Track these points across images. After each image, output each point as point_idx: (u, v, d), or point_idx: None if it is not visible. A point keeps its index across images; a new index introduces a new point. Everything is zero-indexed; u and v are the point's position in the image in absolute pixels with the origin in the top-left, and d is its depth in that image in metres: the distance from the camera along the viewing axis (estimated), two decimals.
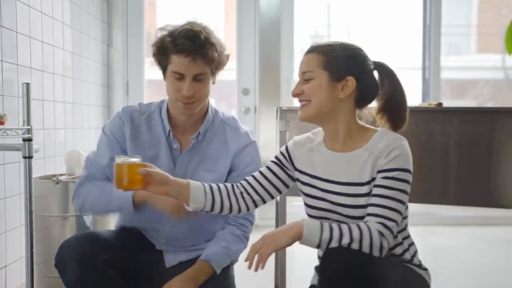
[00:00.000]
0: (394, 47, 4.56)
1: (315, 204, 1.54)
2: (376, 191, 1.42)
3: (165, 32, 1.66)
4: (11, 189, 2.47)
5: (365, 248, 1.35)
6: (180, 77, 1.63)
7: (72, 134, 3.25)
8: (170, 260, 1.76)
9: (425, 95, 4.49)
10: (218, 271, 1.66)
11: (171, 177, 1.48)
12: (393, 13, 4.61)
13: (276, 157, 1.64)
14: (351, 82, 1.46)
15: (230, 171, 1.77)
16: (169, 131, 1.74)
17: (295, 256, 3.30)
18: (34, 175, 2.09)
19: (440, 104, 2.31)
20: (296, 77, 1.59)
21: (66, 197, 2.38)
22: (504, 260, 3.37)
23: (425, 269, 1.57)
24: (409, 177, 1.44)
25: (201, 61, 1.62)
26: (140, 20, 4.19)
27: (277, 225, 2.46)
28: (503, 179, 2.20)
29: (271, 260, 2.66)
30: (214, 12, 4.57)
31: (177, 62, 1.62)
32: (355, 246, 1.35)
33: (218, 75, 1.73)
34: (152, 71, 4.54)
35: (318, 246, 1.38)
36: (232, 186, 1.61)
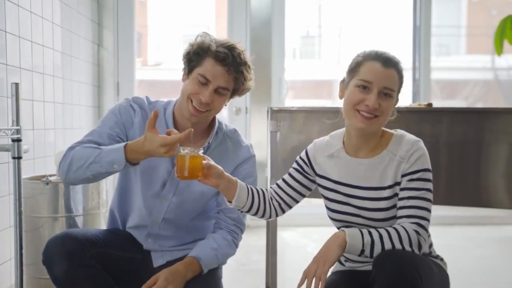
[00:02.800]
0: (384, 47, 4.56)
1: (339, 209, 1.58)
2: (404, 194, 1.48)
3: (207, 38, 1.67)
4: (0, 189, 2.45)
5: (407, 248, 1.39)
6: (205, 83, 1.63)
7: (62, 135, 3.23)
8: (158, 259, 1.76)
9: (415, 95, 4.51)
10: (205, 271, 1.67)
11: (225, 172, 1.53)
12: (383, 13, 4.63)
13: (297, 163, 1.68)
14: (397, 102, 1.54)
15: None
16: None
17: (286, 257, 3.30)
18: (23, 176, 2.08)
19: (430, 104, 2.32)
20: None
21: (56, 198, 2.37)
22: (493, 259, 3.40)
23: (442, 259, 1.62)
24: (431, 176, 1.50)
25: (233, 77, 1.65)
26: (130, 20, 4.18)
27: (267, 226, 2.47)
28: (492, 179, 2.22)
29: (262, 261, 2.67)
30: (205, 12, 4.57)
31: (209, 67, 1.63)
32: (397, 247, 1.39)
33: (233, 98, 1.74)
34: (143, 71, 4.53)
35: (362, 252, 1.41)
36: (265, 191, 1.66)
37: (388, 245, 1.39)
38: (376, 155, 1.53)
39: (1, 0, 2.45)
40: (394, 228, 1.42)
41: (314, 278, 1.39)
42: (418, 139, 1.53)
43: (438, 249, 1.65)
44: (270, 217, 1.66)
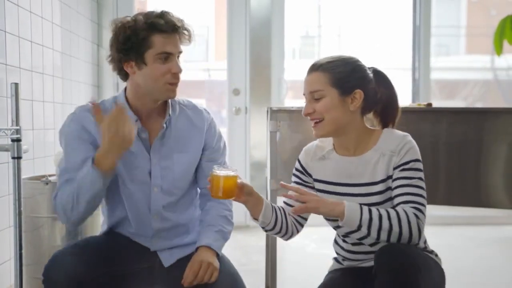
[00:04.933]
0: (384, 47, 4.58)
1: None
2: (397, 183, 1.51)
3: (138, 17, 1.61)
4: (0, 189, 2.45)
5: (405, 230, 1.41)
6: (167, 56, 1.61)
7: None
8: (167, 259, 1.70)
9: (415, 95, 4.52)
10: (220, 254, 1.67)
11: (254, 190, 1.55)
12: (383, 14, 4.63)
13: (295, 175, 1.70)
14: (359, 94, 1.54)
15: (203, 150, 1.75)
16: (136, 120, 1.65)
17: (285, 257, 3.30)
18: (23, 176, 2.08)
19: (429, 104, 2.33)
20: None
21: None
22: (492, 260, 3.40)
23: (436, 255, 1.63)
24: (421, 166, 1.53)
25: (182, 39, 1.65)
26: None
27: None
28: (491, 179, 2.22)
29: (262, 261, 2.67)
30: (204, 12, 4.57)
31: (162, 42, 1.60)
32: (395, 228, 1.41)
33: None
34: None
35: (359, 227, 1.43)
36: (283, 208, 1.66)
37: (386, 225, 1.41)
38: (366, 152, 1.57)
39: (1, 0, 2.45)
40: (395, 210, 1.44)
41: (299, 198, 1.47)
42: (406, 133, 1.57)
43: (437, 249, 1.65)
44: (292, 234, 1.66)
